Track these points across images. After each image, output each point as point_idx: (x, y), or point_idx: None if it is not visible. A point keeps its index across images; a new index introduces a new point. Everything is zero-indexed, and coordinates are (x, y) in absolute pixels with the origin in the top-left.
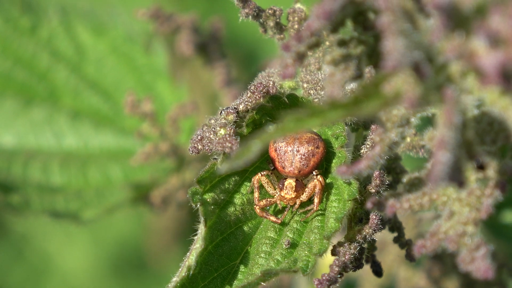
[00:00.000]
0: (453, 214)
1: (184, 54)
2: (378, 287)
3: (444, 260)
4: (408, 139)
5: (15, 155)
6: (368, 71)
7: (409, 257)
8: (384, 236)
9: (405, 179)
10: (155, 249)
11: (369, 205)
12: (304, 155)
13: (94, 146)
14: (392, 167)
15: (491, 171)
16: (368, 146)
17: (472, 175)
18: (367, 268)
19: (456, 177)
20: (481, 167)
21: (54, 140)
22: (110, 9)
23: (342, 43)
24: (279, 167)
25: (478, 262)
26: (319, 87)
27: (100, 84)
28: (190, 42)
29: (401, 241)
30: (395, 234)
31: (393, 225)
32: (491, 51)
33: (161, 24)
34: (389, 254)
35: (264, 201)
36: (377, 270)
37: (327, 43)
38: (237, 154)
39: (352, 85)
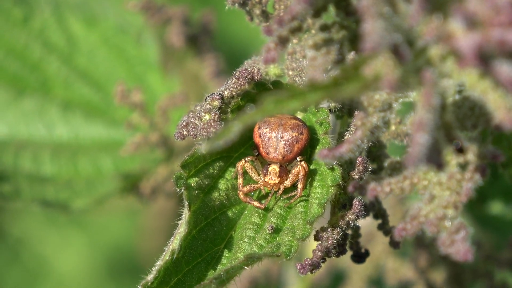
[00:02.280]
0: (434, 197)
1: (174, 45)
2: (366, 278)
3: (430, 250)
4: (393, 127)
5: (6, 145)
6: (351, 56)
7: (393, 244)
8: (373, 228)
9: (386, 163)
10: (150, 251)
11: (350, 188)
12: (288, 141)
13: (85, 136)
14: (377, 155)
15: (471, 155)
16: (351, 132)
17: (452, 159)
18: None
19: (435, 159)
20: (460, 150)
21: (45, 130)
22: (101, 0)
23: (324, 28)
24: (263, 153)
25: (458, 244)
26: (304, 74)
27: (91, 75)
28: (180, 34)
29: (385, 228)
30: (379, 221)
31: (377, 212)
32: (468, 32)
33: (152, 15)
34: (377, 245)
35: (248, 186)
36: (357, 256)
37: (313, 31)
38: (217, 135)
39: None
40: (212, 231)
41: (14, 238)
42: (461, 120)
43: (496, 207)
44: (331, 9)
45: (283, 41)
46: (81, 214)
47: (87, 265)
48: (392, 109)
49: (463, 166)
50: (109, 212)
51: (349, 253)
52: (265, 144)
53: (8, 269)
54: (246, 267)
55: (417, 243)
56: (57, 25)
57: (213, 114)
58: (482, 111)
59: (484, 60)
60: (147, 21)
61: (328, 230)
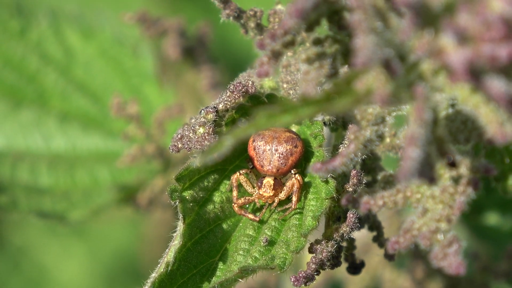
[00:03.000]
0: (427, 211)
1: (171, 57)
2: None
3: (427, 261)
4: (388, 140)
5: (4, 156)
6: (345, 70)
7: (388, 257)
8: (369, 239)
9: (379, 176)
10: (150, 260)
11: (344, 201)
12: (282, 154)
13: (82, 148)
14: (372, 167)
15: (464, 169)
16: (345, 145)
17: (445, 173)
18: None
19: (427, 174)
20: (453, 164)
21: (43, 142)
22: (98, 12)
23: (317, 42)
24: (258, 166)
25: (450, 258)
26: (298, 87)
27: (88, 87)
28: (176, 46)
29: (380, 240)
30: (374, 233)
31: (372, 224)
32: (459, 48)
33: (148, 28)
34: (374, 256)
35: (242, 199)
36: (353, 267)
37: (308, 44)
38: (210, 148)
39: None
40: (207, 243)
41: (15, 247)
42: (454, 133)
43: (492, 218)
44: (324, 23)
45: (276, 55)
46: (79, 225)
47: (88, 274)
48: (386, 123)
49: (456, 180)
50: (110, 221)
51: (345, 265)
52: (259, 157)
53: (9, 278)
54: (240, 280)
55: (413, 254)
56: (54, 37)
57: (207, 128)
58: (474, 125)
59: (475, 75)
60: (144, 33)
61: (323, 242)
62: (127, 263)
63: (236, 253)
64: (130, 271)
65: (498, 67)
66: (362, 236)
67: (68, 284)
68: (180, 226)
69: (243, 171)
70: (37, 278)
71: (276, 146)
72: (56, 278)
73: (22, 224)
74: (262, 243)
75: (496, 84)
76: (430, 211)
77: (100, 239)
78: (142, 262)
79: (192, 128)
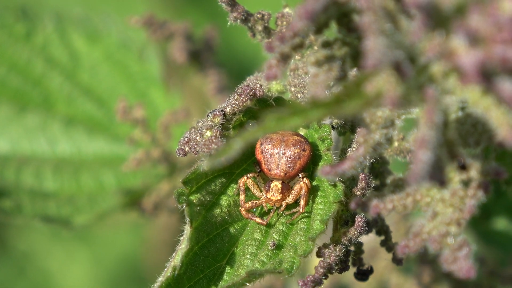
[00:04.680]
0: (437, 214)
1: (177, 61)
2: None
3: (434, 266)
4: (396, 143)
5: (9, 160)
6: (354, 73)
7: (396, 261)
8: (376, 243)
9: (389, 180)
10: (155, 265)
11: (353, 205)
12: (290, 158)
13: (87, 152)
14: (380, 171)
15: (474, 172)
16: (354, 148)
17: (455, 176)
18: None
19: (437, 176)
20: (463, 167)
21: (48, 146)
22: (104, 16)
23: (326, 45)
24: (265, 169)
25: (461, 261)
26: (306, 91)
27: (94, 91)
28: (183, 50)
29: (388, 245)
30: (382, 238)
31: (380, 228)
32: (471, 50)
33: (154, 31)
34: (381, 261)
35: (250, 203)
36: (361, 274)
37: (315, 47)
38: (218, 152)
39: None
40: (214, 247)
41: (19, 253)
42: (464, 137)
43: (501, 223)
44: (333, 26)
45: (285, 58)
46: (84, 230)
47: (92, 280)
48: (395, 126)
49: (466, 183)
50: (114, 226)
51: (352, 269)
52: (267, 161)
53: (13, 283)
54: (248, 284)
55: (420, 259)
56: (59, 40)
57: (214, 131)
58: (485, 128)
59: (487, 77)
60: (150, 37)
61: (331, 246)
62: (131, 268)
63: (243, 257)
64: (134, 276)
65: (510, 68)
66: (369, 240)
67: None
68: (187, 230)
69: (251, 174)
70: (41, 283)
71: (284, 149)
72: (60, 283)
73: (26, 229)
74: (270, 247)
75: (508, 86)
76: (440, 214)
77: (104, 244)
78: (146, 267)
79: (199, 131)
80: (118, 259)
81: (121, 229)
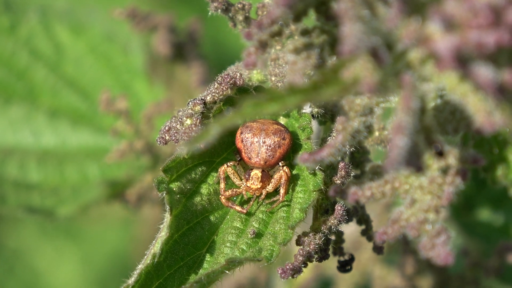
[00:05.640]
0: (415, 201)
1: (160, 53)
2: (353, 285)
3: (417, 257)
4: (377, 133)
5: None
6: (332, 61)
7: (376, 249)
8: (359, 236)
9: (366, 166)
10: None
11: (331, 192)
12: (270, 146)
13: (71, 144)
14: (360, 161)
15: (452, 159)
16: (333, 137)
17: (433, 163)
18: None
19: (414, 162)
20: (441, 154)
21: (32, 138)
22: (88, 9)
23: (305, 32)
24: (246, 158)
25: (439, 248)
26: (286, 79)
27: (78, 83)
28: (166, 42)
29: (369, 234)
30: (363, 227)
31: (361, 217)
32: (446, 35)
33: (138, 23)
34: (364, 253)
35: (230, 191)
36: (343, 264)
37: (296, 37)
38: (196, 137)
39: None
40: (194, 235)
41: (9, 251)
42: (442, 124)
43: (484, 215)
44: (312, 14)
45: (263, 45)
46: (73, 226)
47: (82, 278)
48: (374, 114)
49: (444, 170)
50: (103, 223)
51: (336, 260)
52: (247, 149)
53: (3, 282)
54: (227, 271)
55: (404, 250)
56: (44, 33)
57: (194, 119)
58: (462, 115)
59: (463, 62)
60: (133, 29)
61: (310, 235)
62: (121, 266)
63: (223, 245)
64: (123, 273)
65: (486, 54)
66: (351, 233)
67: None
68: (167, 217)
69: (231, 163)
70: (31, 281)
71: (264, 138)
72: (50, 281)
73: (16, 227)
74: (249, 235)
75: (484, 71)
76: (418, 201)
77: (94, 242)
78: (135, 264)
79: (180, 120)
80: (108, 256)
81: (110, 226)
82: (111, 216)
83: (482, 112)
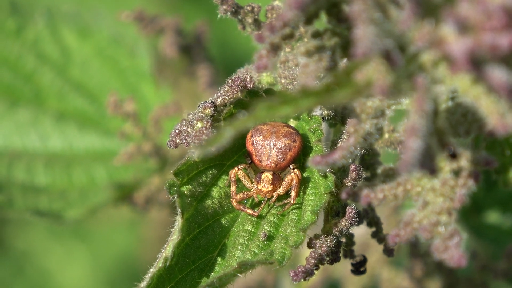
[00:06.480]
0: (427, 204)
1: (168, 56)
2: None
3: (425, 260)
4: (387, 135)
5: (0, 155)
6: (344, 63)
7: (387, 252)
8: (368, 238)
9: (379, 170)
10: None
11: (344, 195)
12: (281, 149)
13: (79, 147)
14: (371, 163)
15: (465, 161)
16: (344, 139)
17: (446, 166)
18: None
19: (427, 165)
20: (453, 156)
21: (39, 141)
22: (95, 12)
23: (316, 35)
24: (256, 161)
25: (452, 250)
26: (296, 82)
27: (85, 86)
28: (173, 45)
29: (379, 236)
30: (373, 229)
31: (371, 219)
32: (460, 37)
33: (145, 26)
34: (372, 255)
35: (240, 194)
36: (357, 265)
37: (306, 39)
38: (209, 140)
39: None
40: (205, 238)
41: (18, 252)
42: (454, 126)
43: (492, 217)
44: (323, 16)
45: (275, 48)
46: (82, 228)
47: (91, 278)
48: (385, 116)
49: (456, 173)
50: (112, 224)
51: (344, 262)
52: (258, 152)
53: (12, 282)
54: (239, 275)
55: (412, 253)
56: (50, 36)
57: (205, 122)
58: (475, 117)
59: (476, 65)
60: (140, 32)
61: (322, 237)
62: (130, 266)
63: (234, 248)
64: (132, 274)
65: (499, 56)
66: (361, 234)
67: None
68: (179, 221)
69: (242, 166)
70: (40, 282)
71: (275, 141)
72: (59, 282)
73: (24, 229)
74: (261, 238)
75: (497, 74)
76: (431, 204)
77: (103, 243)
78: (144, 265)
79: (190, 123)
80: (116, 257)
81: (118, 227)
82: (119, 217)
83: (495, 114)
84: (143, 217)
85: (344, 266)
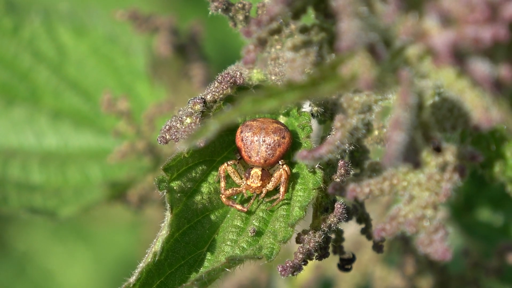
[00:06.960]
0: (413, 198)
1: (162, 55)
2: (354, 286)
3: (417, 258)
4: (376, 132)
5: None
6: (331, 58)
7: (376, 248)
8: (360, 237)
9: (366, 164)
10: None
11: (330, 189)
12: (270, 145)
13: (74, 145)
14: (360, 160)
15: (450, 156)
16: (333, 135)
17: (431, 160)
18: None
19: (411, 158)
20: (438, 150)
21: (35, 139)
22: (90, 10)
23: (303, 30)
24: (246, 157)
25: (436, 244)
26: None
27: (81, 84)
28: (168, 43)
29: (368, 232)
30: (363, 225)
31: (360, 216)
32: (443, 30)
33: (140, 25)
34: (365, 254)
35: (230, 190)
36: (343, 263)
37: (296, 36)
38: (195, 133)
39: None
40: (195, 234)
41: (19, 253)
42: (440, 121)
43: (484, 215)
44: (311, 12)
45: (262, 43)
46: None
47: (92, 279)
48: (372, 111)
49: (442, 167)
50: (113, 225)
51: (337, 260)
52: (247, 148)
53: (14, 283)
54: (228, 269)
55: (404, 250)
56: (46, 35)
57: (194, 118)
58: (460, 112)
59: (460, 58)
60: (135, 31)
61: (310, 232)
62: (131, 267)
63: (224, 244)
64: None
65: (482, 49)
66: (353, 233)
67: None
68: (168, 216)
69: (231, 162)
70: (41, 283)
71: (264, 137)
72: (61, 283)
73: (26, 229)
74: (250, 234)
75: (480, 67)
76: (416, 198)
77: (104, 244)
78: None
79: (180, 118)
80: (118, 258)
81: (120, 228)
82: (120, 219)
83: (480, 108)
84: (142, 219)
85: (337, 264)
